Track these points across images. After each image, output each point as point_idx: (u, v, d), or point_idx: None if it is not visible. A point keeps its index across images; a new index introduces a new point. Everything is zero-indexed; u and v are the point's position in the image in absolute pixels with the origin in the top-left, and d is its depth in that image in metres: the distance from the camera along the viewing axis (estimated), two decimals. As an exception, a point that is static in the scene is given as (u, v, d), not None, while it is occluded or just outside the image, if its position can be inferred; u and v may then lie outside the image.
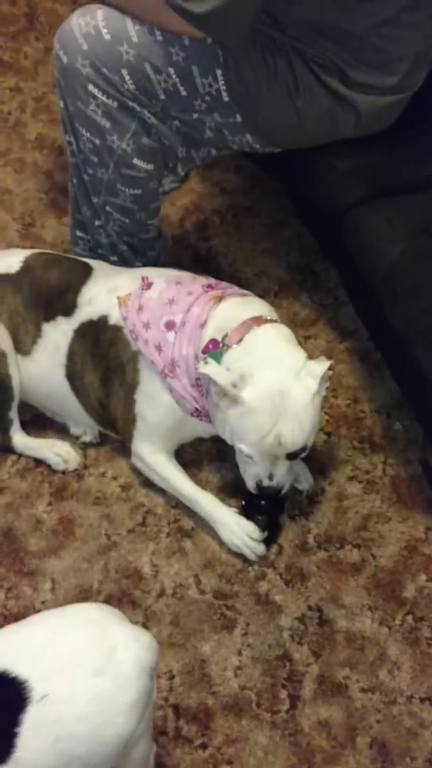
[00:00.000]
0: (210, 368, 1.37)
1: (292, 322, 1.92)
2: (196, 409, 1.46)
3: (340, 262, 1.70)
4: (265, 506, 1.50)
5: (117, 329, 1.49)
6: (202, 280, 1.53)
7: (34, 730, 0.95)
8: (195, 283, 1.49)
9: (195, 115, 1.53)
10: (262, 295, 1.96)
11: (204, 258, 2.04)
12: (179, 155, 1.62)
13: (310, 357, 1.82)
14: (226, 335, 1.40)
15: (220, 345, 1.40)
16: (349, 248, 1.56)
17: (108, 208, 1.65)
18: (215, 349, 1.39)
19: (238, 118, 1.53)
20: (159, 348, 1.43)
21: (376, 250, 1.51)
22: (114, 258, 1.75)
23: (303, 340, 1.88)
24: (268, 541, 1.51)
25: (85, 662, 0.99)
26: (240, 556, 1.50)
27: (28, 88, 2.43)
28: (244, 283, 2.00)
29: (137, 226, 1.69)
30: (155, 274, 1.53)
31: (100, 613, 1.07)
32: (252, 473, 1.43)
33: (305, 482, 1.58)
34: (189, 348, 1.42)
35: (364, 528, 1.56)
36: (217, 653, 1.40)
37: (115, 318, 1.51)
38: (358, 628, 1.43)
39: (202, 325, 1.42)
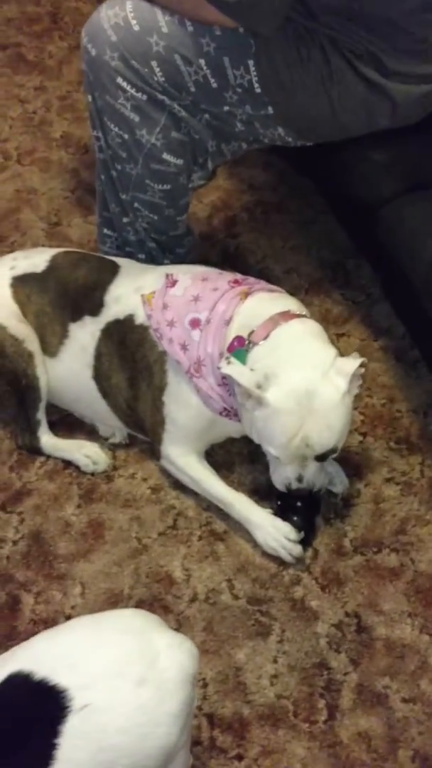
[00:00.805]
0: (232, 368, 1.32)
1: (324, 319, 1.87)
2: (225, 409, 1.42)
3: (376, 257, 1.66)
4: (300, 507, 1.46)
5: (143, 329, 1.46)
6: (229, 276, 1.49)
7: (74, 741, 0.91)
8: (221, 279, 1.45)
9: (226, 108, 1.49)
10: (292, 293, 1.91)
11: (232, 255, 2.00)
12: (209, 149, 1.58)
13: (343, 355, 1.80)
14: (252, 332, 1.35)
15: (246, 342, 1.35)
16: (385, 243, 1.51)
17: (136, 204, 1.62)
18: (241, 347, 1.35)
19: (270, 110, 1.49)
20: (184, 347, 1.39)
21: (415, 245, 1.46)
22: (142, 255, 1.72)
23: (336, 338, 1.84)
24: (303, 543, 1.46)
25: (128, 671, 0.95)
26: (275, 559, 1.46)
27: (53, 87, 2.41)
28: (273, 280, 1.94)
29: (166, 222, 1.66)
30: (181, 271, 1.49)
31: (141, 619, 1.03)
32: (281, 475, 1.39)
33: (340, 485, 1.53)
34: (214, 346, 1.38)
35: (402, 531, 1.51)
36: (252, 661, 1.36)
37: (141, 317, 1.47)
38: (398, 635, 1.38)
39: (228, 322, 1.38)
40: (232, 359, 1.34)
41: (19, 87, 2.41)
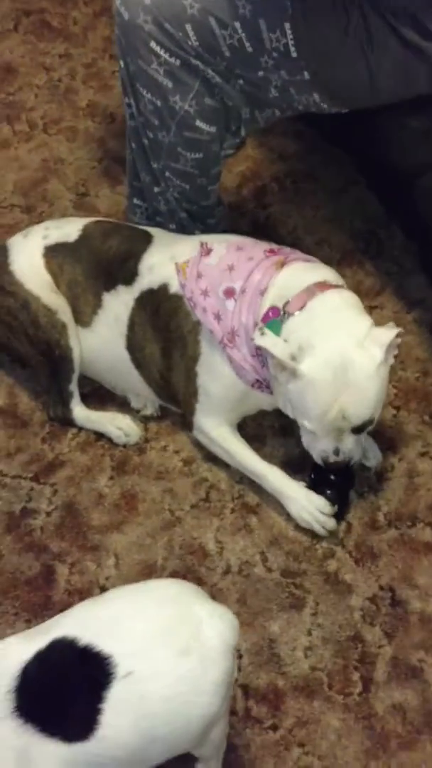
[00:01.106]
0: (266, 339, 1.30)
1: (356, 291, 1.81)
2: (257, 381, 1.40)
3: (413, 227, 1.62)
4: (334, 481, 1.45)
5: (177, 298, 1.44)
6: (265, 246, 1.46)
7: (118, 707, 0.92)
8: (257, 248, 1.43)
9: (260, 73, 1.46)
10: (325, 264, 1.90)
11: (263, 225, 1.97)
12: (243, 116, 1.55)
13: (377, 326, 1.78)
14: (287, 302, 1.33)
15: (281, 312, 1.33)
16: (422, 212, 1.47)
17: (168, 173, 1.59)
18: (275, 317, 1.33)
19: (306, 75, 1.45)
20: (218, 316, 1.37)
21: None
22: (172, 226, 1.69)
23: (369, 311, 1.80)
24: (337, 517, 1.46)
25: (171, 640, 0.96)
26: (308, 532, 1.45)
27: (78, 54, 2.37)
28: (305, 251, 1.88)
29: (198, 192, 1.63)
30: (216, 240, 1.47)
31: (182, 589, 1.03)
32: (317, 448, 1.37)
33: (373, 459, 1.52)
34: (249, 316, 1.36)
35: (437, 506, 1.50)
36: (287, 633, 1.36)
37: (175, 287, 1.45)
38: (433, 609, 1.38)
39: (263, 292, 1.35)
40: (266, 330, 1.32)
41: (44, 54, 2.37)
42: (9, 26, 2.45)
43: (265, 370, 1.39)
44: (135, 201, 1.73)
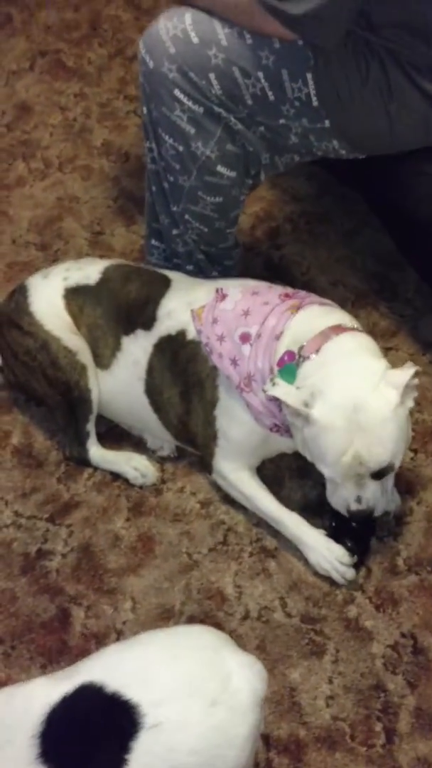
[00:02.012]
0: (277, 389, 1.30)
1: (371, 332, 1.83)
2: (275, 425, 1.40)
3: (427, 272, 1.63)
4: (354, 529, 1.44)
5: (195, 344, 1.44)
6: (279, 290, 1.47)
7: (144, 758, 0.90)
8: (271, 292, 1.43)
9: (282, 121, 1.48)
10: (339, 305, 1.91)
11: (277, 266, 1.99)
12: (262, 162, 1.57)
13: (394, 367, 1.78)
14: (302, 347, 1.33)
15: (297, 357, 1.33)
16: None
17: (187, 216, 1.61)
18: (291, 361, 1.33)
19: (327, 123, 1.48)
20: (234, 362, 1.38)
21: None
22: (190, 267, 1.70)
23: (384, 352, 1.81)
24: (357, 565, 1.44)
25: (201, 690, 0.94)
26: (327, 578, 1.44)
27: (93, 94, 2.41)
28: (319, 292, 1.92)
29: (216, 235, 1.65)
30: (231, 285, 1.47)
31: (212, 637, 1.02)
32: (339, 496, 1.36)
33: (392, 503, 1.51)
34: (265, 361, 1.36)
35: (457, 551, 1.49)
36: (307, 681, 1.34)
37: (192, 332, 1.45)
38: (455, 657, 1.36)
39: (278, 337, 1.35)
40: (277, 380, 1.32)
41: (59, 94, 2.41)
42: (25, 66, 2.50)
43: (282, 414, 1.39)
44: (153, 242, 1.74)
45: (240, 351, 1.37)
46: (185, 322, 1.45)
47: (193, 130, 1.47)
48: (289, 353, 1.35)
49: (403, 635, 1.39)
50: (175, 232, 1.66)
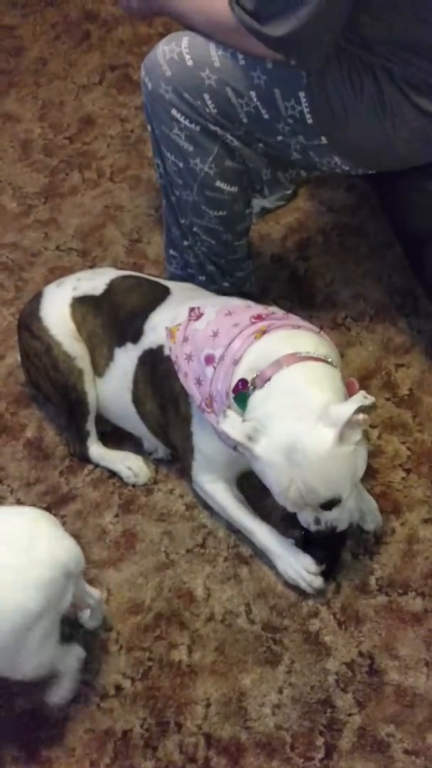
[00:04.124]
0: (225, 423, 1.31)
1: (385, 348, 1.84)
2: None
3: (427, 287, 1.60)
4: (324, 539, 1.45)
5: (170, 360, 1.48)
6: (254, 311, 1.45)
7: None
8: (245, 313, 1.43)
9: (279, 138, 1.51)
10: (356, 319, 1.91)
11: (301, 278, 2.01)
12: (264, 177, 1.60)
13: (398, 386, 1.76)
14: (257, 375, 1.33)
15: (249, 385, 1.34)
16: (428, 276, 1.46)
17: (195, 229, 1.67)
18: (244, 389, 1.34)
19: (324, 140, 1.49)
20: (198, 381, 1.40)
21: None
22: (202, 278, 1.76)
23: (394, 369, 1.80)
24: (326, 575, 1.45)
25: (11, 539, 1.22)
26: (296, 589, 1.46)
27: (154, 107, 2.51)
28: (339, 305, 1.94)
29: (224, 247, 1.70)
30: (210, 303, 1.49)
31: (41, 514, 1.31)
32: (301, 518, 1.38)
33: (371, 522, 1.50)
34: (223, 385, 1.37)
35: (433, 576, 1.46)
36: (258, 688, 1.37)
37: (169, 349, 1.49)
38: (411, 683, 1.34)
39: (237, 362, 1.36)
40: (229, 411, 1.33)
41: (122, 106, 2.53)
42: (95, 80, 2.64)
43: None
44: (171, 252, 1.82)
45: (204, 372, 1.40)
46: (164, 338, 1.50)
47: (191, 148, 1.53)
48: (243, 381, 1.35)
49: (361, 654, 1.39)
50: (185, 243, 1.72)
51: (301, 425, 1.27)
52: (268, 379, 1.32)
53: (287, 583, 1.47)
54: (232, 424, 1.31)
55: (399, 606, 1.43)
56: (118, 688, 1.39)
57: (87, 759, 1.32)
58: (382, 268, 1.99)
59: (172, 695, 1.37)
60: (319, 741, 1.31)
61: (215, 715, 1.35)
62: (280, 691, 1.36)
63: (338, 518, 1.35)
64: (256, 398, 1.32)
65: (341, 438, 1.27)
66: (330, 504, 1.32)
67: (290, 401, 1.30)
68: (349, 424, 1.27)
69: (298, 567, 1.43)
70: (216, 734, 1.33)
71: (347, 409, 1.26)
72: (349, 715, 1.33)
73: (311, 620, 1.43)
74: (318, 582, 1.43)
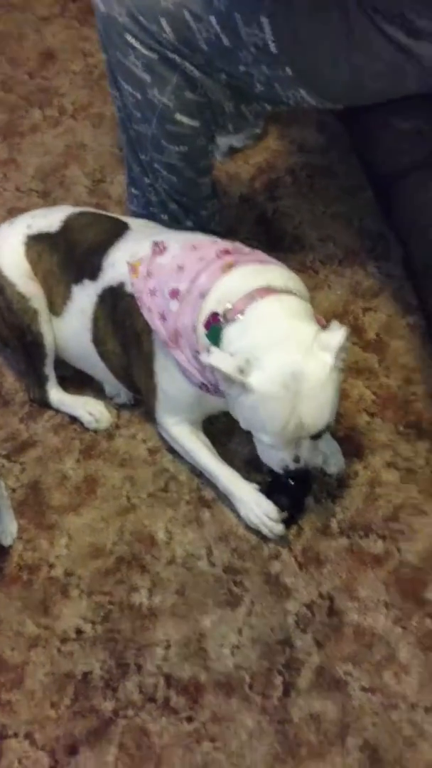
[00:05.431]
0: (213, 358, 1.26)
1: (353, 292, 1.80)
2: (204, 384, 1.39)
3: (398, 230, 1.56)
4: (290, 486, 1.43)
5: (132, 297, 1.43)
6: (220, 245, 1.42)
7: None
8: (211, 248, 1.39)
9: (242, 68, 1.44)
10: (324, 261, 1.87)
11: (268, 219, 1.95)
12: (227, 111, 1.54)
13: (365, 331, 1.73)
14: (229, 308, 1.30)
15: (221, 319, 1.30)
16: (396, 216, 1.42)
17: (156, 165, 1.61)
18: (216, 323, 1.31)
19: (289, 71, 1.43)
20: (163, 317, 1.37)
21: (423, 222, 1.36)
22: (165, 217, 1.71)
23: (362, 313, 1.77)
24: (288, 522, 1.45)
25: None
26: (257, 532, 1.45)
27: (119, 41, 2.40)
28: (307, 248, 1.90)
29: (186, 184, 1.64)
30: (173, 238, 1.45)
31: None
32: (277, 459, 1.35)
33: (334, 466, 1.49)
34: (190, 318, 1.34)
35: (395, 519, 1.46)
36: (218, 629, 1.37)
37: (130, 285, 1.45)
38: (369, 623, 1.35)
39: (204, 295, 1.33)
40: (213, 348, 1.29)
41: (84, 40, 2.42)
42: (56, 11, 2.52)
43: (209, 374, 1.37)
44: (132, 190, 1.75)
45: (168, 306, 1.36)
46: (125, 274, 1.46)
47: (148, 78, 1.45)
48: (214, 315, 1.32)
49: (321, 596, 1.39)
50: (146, 180, 1.66)
51: (296, 355, 1.25)
52: (241, 312, 1.28)
53: (249, 526, 1.46)
54: (222, 358, 1.26)
55: (360, 548, 1.43)
56: (79, 631, 1.39)
57: (47, 701, 1.32)
58: (352, 210, 1.94)
59: (133, 638, 1.37)
60: (278, 680, 1.31)
61: (175, 656, 1.35)
62: (240, 632, 1.36)
63: (314, 454, 1.34)
64: (232, 331, 1.29)
65: (335, 363, 1.26)
66: (320, 434, 1.31)
67: (275, 332, 1.27)
68: (341, 349, 1.27)
69: (260, 512, 1.42)
70: (176, 674, 1.33)
71: (339, 334, 1.27)
72: (308, 654, 1.33)
73: (272, 562, 1.43)
74: (279, 528, 1.42)
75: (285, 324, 1.28)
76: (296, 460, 1.34)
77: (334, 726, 1.27)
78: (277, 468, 1.37)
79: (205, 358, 1.28)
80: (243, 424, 1.34)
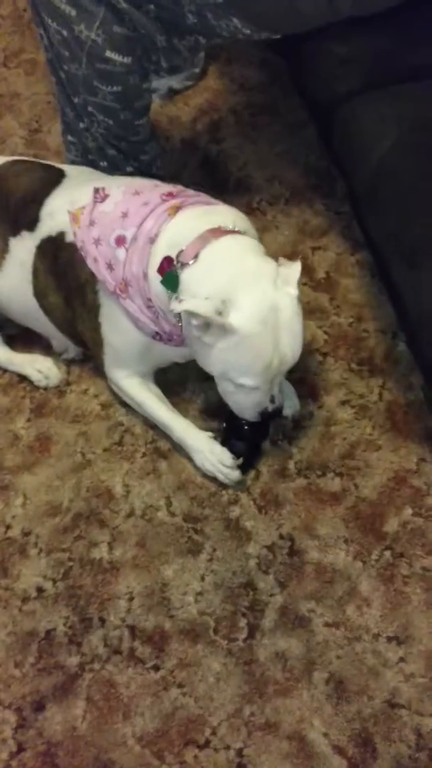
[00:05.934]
0: (187, 304, 1.22)
1: (301, 231, 1.77)
2: (157, 333, 1.36)
3: (335, 161, 1.52)
4: (246, 431, 1.42)
5: (74, 247, 1.38)
6: (164, 189, 1.37)
7: None
8: (154, 192, 1.35)
9: (170, -3, 1.37)
10: (271, 202, 1.83)
11: (213, 162, 1.90)
12: (159, 45, 1.47)
13: (315, 270, 1.71)
14: (181, 251, 1.27)
15: (175, 263, 1.27)
16: (336, 146, 1.38)
17: (90, 108, 1.54)
18: (169, 268, 1.27)
19: (219, -2, 1.36)
20: (110, 266, 1.32)
21: (362, 149, 1.33)
22: (104, 164, 1.64)
23: (311, 252, 1.74)
24: (245, 467, 1.44)
25: None
26: (215, 480, 1.44)
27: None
28: (253, 188, 1.85)
29: (123, 127, 1.57)
30: (114, 184, 1.39)
31: None
32: (253, 403, 1.32)
33: (290, 408, 1.48)
34: (139, 266, 1.30)
35: (350, 456, 1.46)
36: (180, 577, 1.36)
37: (71, 235, 1.39)
38: (330, 560, 1.36)
39: (153, 240, 1.29)
40: (183, 296, 1.25)
41: (12, -18, 2.30)
42: None
43: (163, 323, 1.34)
44: (69, 138, 1.68)
45: (115, 255, 1.32)
46: (65, 223, 1.40)
47: (73, 12, 1.38)
48: (168, 259, 1.28)
49: (281, 537, 1.39)
50: (82, 126, 1.59)
51: (267, 291, 1.23)
52: (196, 256, 1.25)
53: (206, 475, 1.45)
54: (197, 303, 1.21)
55: (318, 487, 1.43)
56: (40, 590, 1.37)
57: (11, 661, 1.31)
58: (297, 148, 1.90)
59: (95, 592, 1.36)
60: (242, 622, 1.32)
61: (138, 608, 1.34)
62: (203, 579, 1.36)
63: (282, 397, 1.34)
64: (192, 273, 1.25)
65: (299, 295, 1.26)
66: (292, 369, 1.31)
67: (242, 271, 1.24)
68: (300, 281, 1.26)
69: (215, 460, 1.41)
70: (140, 625, 1.33)
71: (296, 268, 1.26)
72: (271, 595, 1.34)
73: (231, 507, 1.42)
74: (235, 474, 1.41)
75: (249, 261, 1.26)
76: (272, 400, 1.32)
77: (299, 662, 1.28)
78: (254, 413, 1.34)
79: (176, 306, 1.24)
80: (218, 371, 1.30)
